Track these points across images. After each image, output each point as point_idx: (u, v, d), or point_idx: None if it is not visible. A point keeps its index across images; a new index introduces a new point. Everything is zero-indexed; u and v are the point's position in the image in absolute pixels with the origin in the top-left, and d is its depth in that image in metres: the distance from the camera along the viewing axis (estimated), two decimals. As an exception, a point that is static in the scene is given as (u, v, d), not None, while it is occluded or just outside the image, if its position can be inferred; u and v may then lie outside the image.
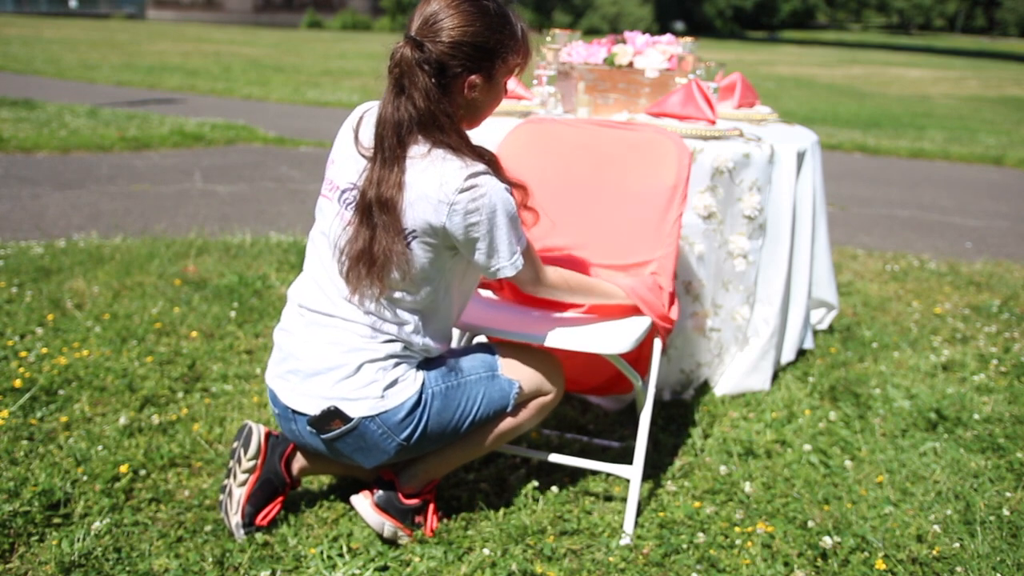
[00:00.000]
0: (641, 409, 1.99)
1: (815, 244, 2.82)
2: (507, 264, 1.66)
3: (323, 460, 1.92)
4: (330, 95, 11.00)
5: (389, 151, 1.58)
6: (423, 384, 1.71)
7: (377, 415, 1.67)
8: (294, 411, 1.72)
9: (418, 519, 1.87)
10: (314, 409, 1.68)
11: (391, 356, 1.68)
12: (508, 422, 1.85)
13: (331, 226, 1.68)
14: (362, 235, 1.60)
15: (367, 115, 1.69)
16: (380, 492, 1.83)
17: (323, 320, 1.69)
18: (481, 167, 1.60)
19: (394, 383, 1.68)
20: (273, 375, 1.77)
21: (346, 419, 1.67)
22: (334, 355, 1.67)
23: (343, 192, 1.68)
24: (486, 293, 2.14)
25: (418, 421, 1.70)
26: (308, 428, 1.71)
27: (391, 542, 1.84)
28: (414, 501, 1.86)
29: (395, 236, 1.59)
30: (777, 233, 2.61)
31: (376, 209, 1.58)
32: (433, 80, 1.56)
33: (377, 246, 1.59)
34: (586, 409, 2.56)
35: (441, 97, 1.58)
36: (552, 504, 2.01)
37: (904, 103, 13.71)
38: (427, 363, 1.76)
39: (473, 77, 1.60)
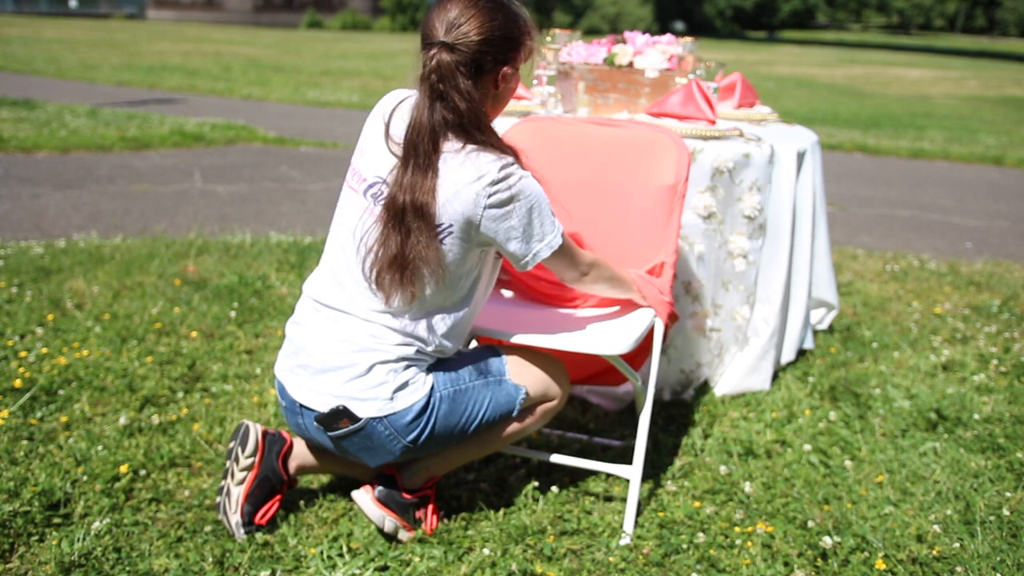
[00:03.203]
0: (641, 409, 1.99)
1: (815, 244, 2.82)
2: (543, 247, 1.68)
3: (323, 458, 1.93)
4: (330, 95, 11.00)
5: (424, 156, 1.59)
6: (432, 388, 1.72)
7: (385, 416, 1.68)
8: (302, 406, 1.72)
9: (418, 514, 1.87)
10: (322, 406, 1.69)
11: (403, 358, 1.68)
12: (513, 426, 1.86)
13: (359, 221, 1.68)
14: (393, 240, 1.61)
15: (399, 109, 1.69)
16: (381, 487, 1.84)
17: (338, 316, 1.70)
18: (511, 158, 1.63)
19: (404, 385, 1.68)
20: (283, 368, 1.78)
21: (354, 419, 1.67)
22: (346, 353, 1.67)
23: (370, 185, 1.68)
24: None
25: (425, 424, 1.71)
26: (315, 424, 1.72)
27: (391, 537, 1.85)
28: (414, 496, 1.87)
29: (429, 239, 1.60)
30: (777, 233, 2.61)
31: (411, 214, 1.59)
32: (470, 81, 1.60)
33: (410, 251, 1.60)
34: (586, 409, 2.56)
35: (478, 96, 1.62)
36: (552, 504, 2.01)
37: (904, 103, 13.71)
38: (436, 366, 1.76)
39: (505, 68, 1.65)
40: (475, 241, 1.65)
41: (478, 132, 1.62)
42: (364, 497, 1.83)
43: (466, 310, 1.74)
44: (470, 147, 1.61)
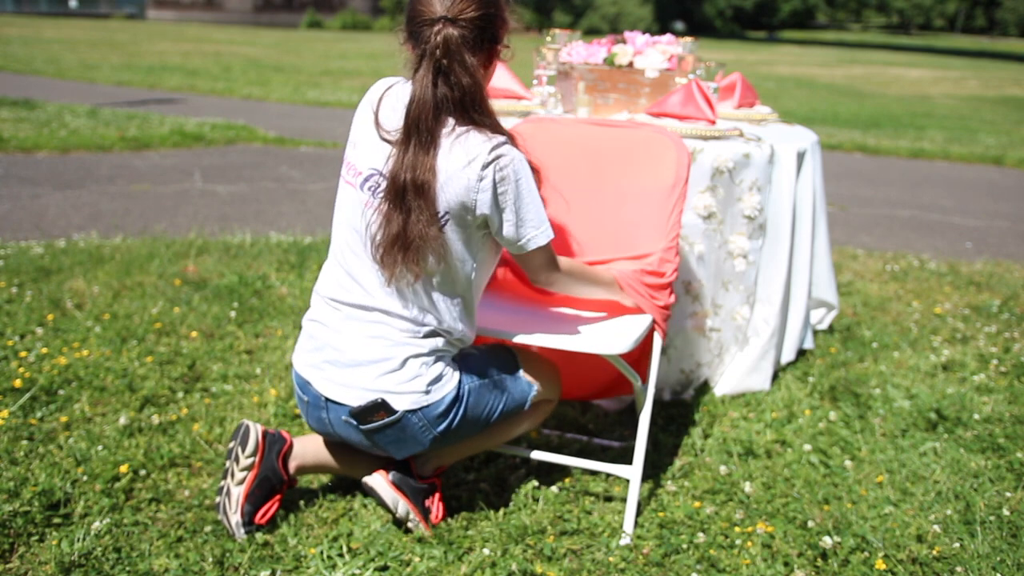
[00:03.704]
0: (641, 409, 2.00)
1: (815, 244, 2.82)
2: (538, 233, 1.68)
3: (336, 454, 1.93)
4: (330, 95, 11.00)
5: (427, 134, 1.59)
6: (460, 380, 1.76)
7: (420, 409, 1.71)
8: (329, 400, 1.74)
9: (427, 503, 1.90)
10: (353, 400, 1.71)
11: (434, 351, 1.72)
12: (519, 420, 1.94)
13: (361, 215, 1.68)
14: (395, 220, 1.61)
15: (387, 97, 1.69)
16: (395, 472, 1.87)
17: (362, 314, 1.71)
18: (502, 137, 1.63)
19: (438, 378, 1.72)
20: (305, 363, 1.78)
21: (390, 411, 1.70)
22: (378, 348, 1.69)
23: (367, 179, 1.68)
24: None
25: (455, 415, 1.75)
26: (344, 418, 1.73)
27: (402, 523, 1.86)
28: (425, 483, 1.91)
29: (430, 220, 1.60)
30: (777, 233, 2.61)
31: (411, 193, 1.59)
32: (474, 58, 1.59)
33: (412, 230, 1.60)
34: (586, 409, 2.56)
35: (480, 72, 1.62)
36: (552, 504, 2.01)
37: (904, 103, 13.71)
38: (459, 360, 1.80)
39: (498, 46, 1.66)
40: (474, 224, 1.65)
41: (476, 112, 1.61)
42: (379, 480, 1.84)
43: (474, 293, 1.76)
44: (459, 128, 1.61)
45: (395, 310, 1.69)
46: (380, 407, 1.69)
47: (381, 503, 1.84)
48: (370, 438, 1.76)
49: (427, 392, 1.71)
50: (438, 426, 1.75)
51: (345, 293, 1.73)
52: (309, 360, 1.78)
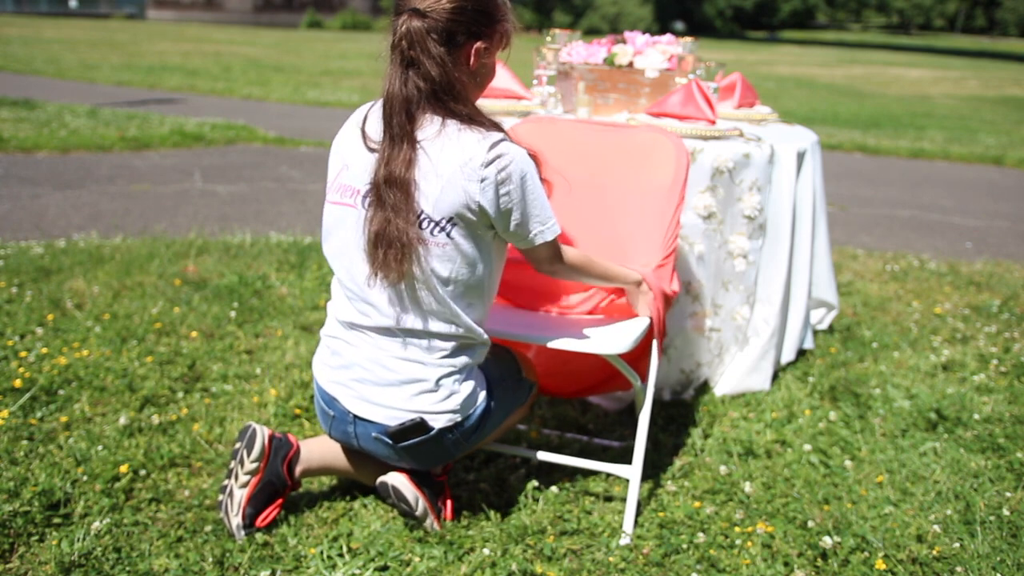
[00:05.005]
0: (641, 409, 2.00)
1: (815, 244, 2.82)
2: (545, 229, 1.65)
3: (339, 459, 1.93)
4: (330, 95, 11.00)
5: (399, 128, 1.55)
6: (486, 392, 1.79)
7: (455, 426, 1.73)
8: (357, 416, 1.74)
9: (439, 502, 1.91)
10: (386, 419, 1.71)
11: (465, 367, 1.72)
12: (515, 417, 1.97)
13: (362, 235, 1.63)
14: (377, 216, 1.58)
15: (371, 113, 1.67)
16: (412, 472, 1.88)
17: (389, 336, 1.69)
18: (499, 135, 1.59)
19: (471, 394, 1.74)
20: (329, 380, 1.77)
21: (428, 430, 1.71)
22: (411, 369, 1.69)
23: (365, 195, 1.64)
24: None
25: (483, 426, 1.79)
26: (374, 435, 1.74)
27: (419, 521, 1.86)
28: (438, 480, 1.94)
29: (407, 217, 1.55)
30: (777, 233, 2.61)
31: (385, 187, 1.55)
32: (443, 48, 1.55)
33: (391, 228, 1.55)
34: (586, 409, 2.56)
35: (453, 65, 1.57)
36: (552, 504, 2.01)
37: (904, 103, 13.71)
38: (482, 368, 1.81)
39: (478, 44, 1.60)
40: (481, 225, 1.62)
41: (454, 101, 1.56)
42: (401, 479, 1.84)
43: (488, 295, 1.74)
44: (449, 125, 1.57)
45: (420, 328, 1.66)
46: (418, 427, 1.70)
47: (400, 502, 1.83)
48: (399, 453, 1.76)
49: (462, 410, 1.73)
50: (468, 437, 1.77)
51: (364, 319, 1.70)
52: (334, 377, 1.76)
